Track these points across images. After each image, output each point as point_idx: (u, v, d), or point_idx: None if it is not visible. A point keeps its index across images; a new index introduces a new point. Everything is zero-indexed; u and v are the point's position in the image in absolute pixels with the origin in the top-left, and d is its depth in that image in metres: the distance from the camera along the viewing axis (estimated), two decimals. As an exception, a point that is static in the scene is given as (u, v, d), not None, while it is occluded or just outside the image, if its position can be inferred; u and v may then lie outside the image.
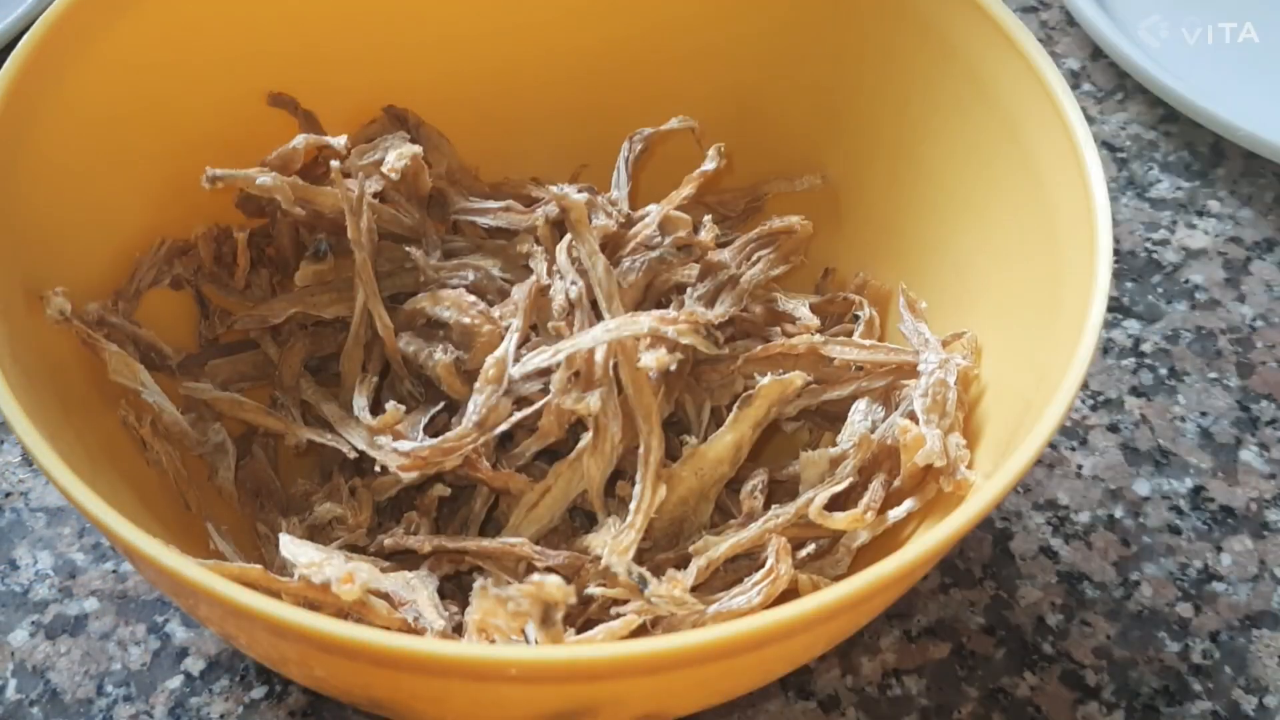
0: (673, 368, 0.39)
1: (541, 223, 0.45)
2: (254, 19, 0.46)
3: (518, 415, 0.40)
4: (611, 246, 0.45)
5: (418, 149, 0.45)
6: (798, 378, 0.41)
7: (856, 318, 0.46)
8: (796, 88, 0.49)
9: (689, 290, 0.45)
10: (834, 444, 0.42)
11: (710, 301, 0.44)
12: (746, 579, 0.38)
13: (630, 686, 0.34)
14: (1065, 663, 0.44)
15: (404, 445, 0.40)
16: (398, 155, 0.44)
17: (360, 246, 0.43)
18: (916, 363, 0.41)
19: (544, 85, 0.51)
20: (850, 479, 0.40)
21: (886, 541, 0.40)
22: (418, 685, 0.34)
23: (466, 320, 0.42)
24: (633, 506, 0.39)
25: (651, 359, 0.38)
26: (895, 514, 0.39)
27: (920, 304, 0.44)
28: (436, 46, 0.49)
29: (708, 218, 0.46)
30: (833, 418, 0.44)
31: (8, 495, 0.47)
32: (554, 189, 0.45)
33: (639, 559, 0.41)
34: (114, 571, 0.45)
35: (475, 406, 0.40)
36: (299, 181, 0.44)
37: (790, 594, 0.38)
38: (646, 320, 0.40)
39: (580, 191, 0.45)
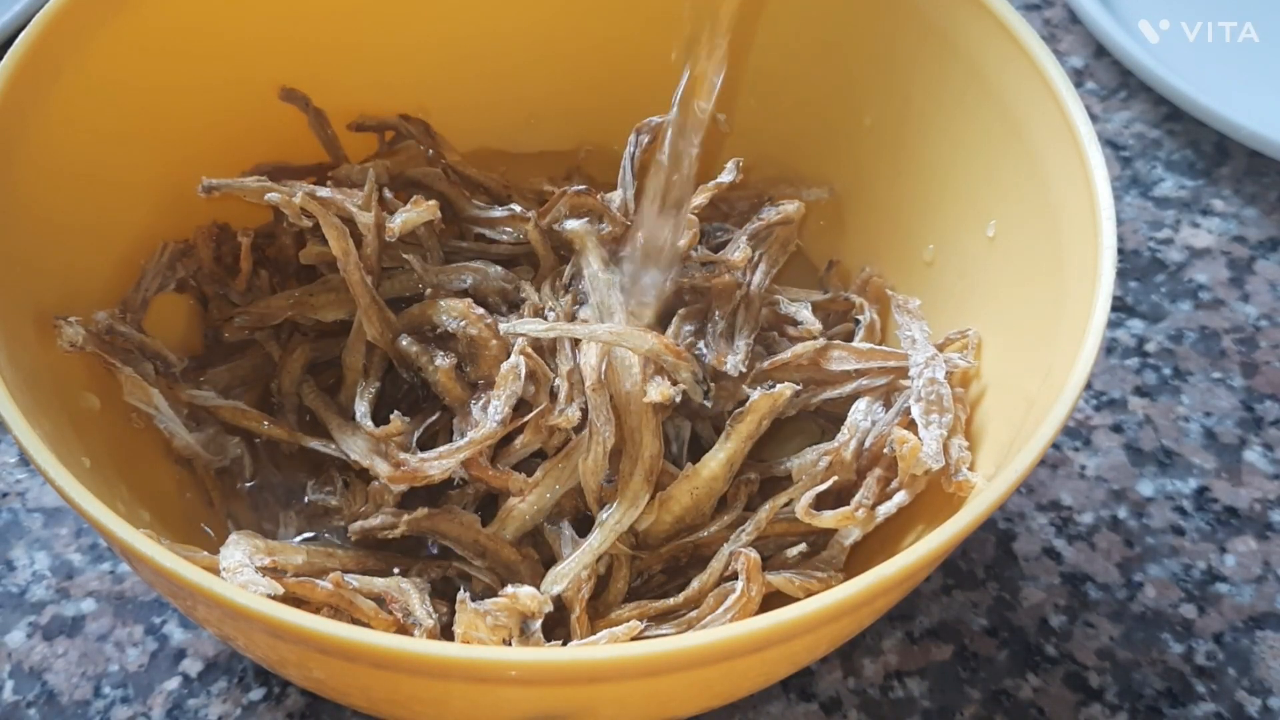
0: (677, 400, 0.40)
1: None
2: (254, 14, 0.46)
3: (506, 429, 0.40)
4: (615, 245, 0.45)
5: (431, 215, 0.45)
6: (787, 389, 0.41)
7: (857, 322, 0.46)
8: (798, 85, 0.49)
9: (709, 327, 0.44)
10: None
11: (729, 332, 0.44)
12: (723, 601, 0.39)
13: (631, 689, 0.33)
14: (1068, 664, 0.44)
15: (412, 460, 0.40)
16: (405, 220, 0.44)
17: (369, 231, 0.43)
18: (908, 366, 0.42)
19: (547, 77, 0.51)
20: (835, 478, 0.40)
21: (889, 543, 0.40)
22: (417, 687, 0.33)
23: (474, 332, 0.42)
24: (597, 525, 0.39)
25: (655, 392, 0.39)
26: (886, 509, 0.39)
27: (911, 303, 0.44)
28: (441, 34, 0.49)
29: (741, 238, 0.46)
30: (838, 419, 0.43)
31: (4, 496, 0.47)
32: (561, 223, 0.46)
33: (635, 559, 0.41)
34: (111, 572, 0.45)
35: (495, 410, 0.40)
36: (308, 192, 0.44)
37: (781, 596, 0.38)
38: (651, 339, 0.40)
39: (580, 197, 0.45)
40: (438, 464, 0.39)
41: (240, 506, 0.43)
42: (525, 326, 0.41)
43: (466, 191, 0.48)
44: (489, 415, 0.40)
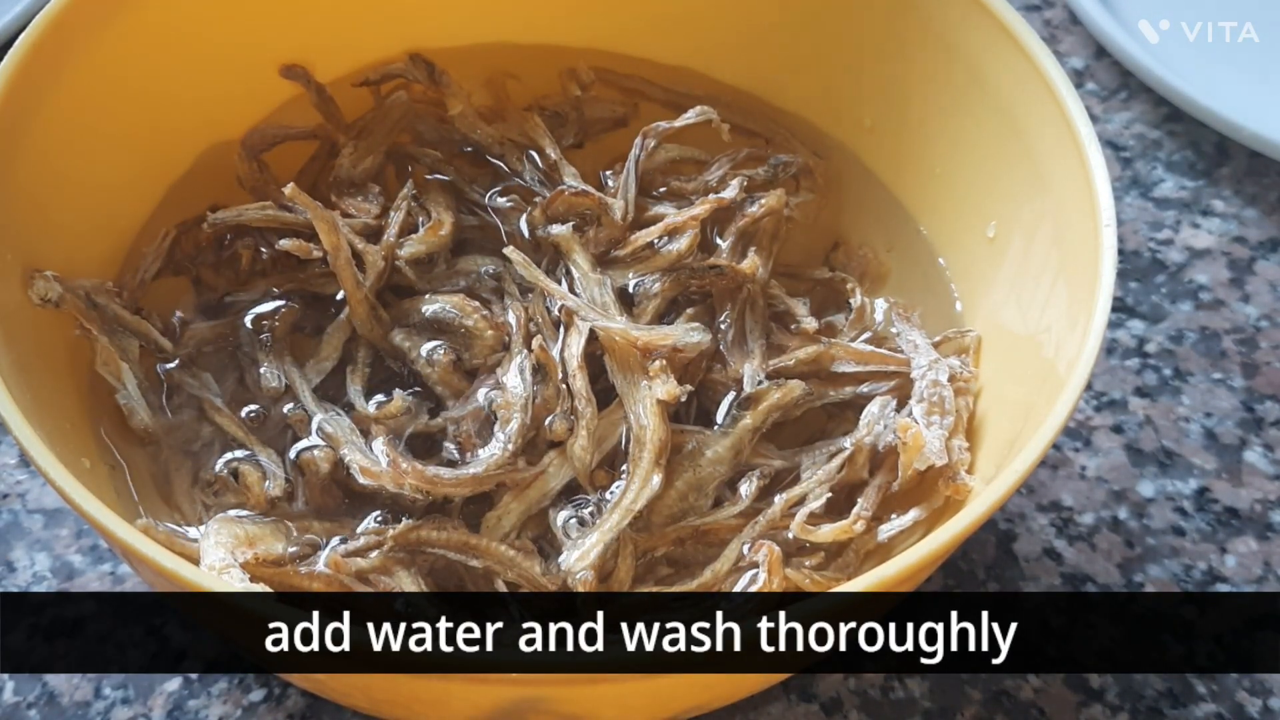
0: (683, 399, 0.40)
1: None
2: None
3: (495, 446, 0.40)
4: (609, 246, 0.45)
5: (442, 246, 0.45)
6: (796, 387, 0.41)
7: (849, 305, 0.46)
8: (797, 85, 0.49)
9: (720, 341, 0.44)
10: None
11: (740, 336, 0.44)
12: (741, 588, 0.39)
13: (631, 687, 0.33)
14: (1069, 665, 0.44)
15: (428, 470, 0.40)
16: (413, 252, 0.44)
17: (374, 255, 0.43)
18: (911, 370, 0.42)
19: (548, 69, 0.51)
20: (828, 496, 0.40)
21: (889, 543, 0.40)
22: (417, 687, 0.34)
23: (469, 323, 0.43)
24: (611, 503, 0.39)
25: (662, 390, 0.40)
26: (889, 529, 0.39)
27: (913, 316, 0.44)
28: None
29: (752, 251, 0.46)
30: (857, 408, 0.43)
31: (5, 497, 0.47)
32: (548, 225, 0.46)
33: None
34: (111, 573, 0.45)
35: (509, 437, 0.40)
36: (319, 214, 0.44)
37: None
38: (622, 324, 0.41)
39: (577, 197, 0.45)
40: (455, 488, 0.39)
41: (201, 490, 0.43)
42: (524, 269, 0.42)
43: (466, 174, 0.48)
44: (499, 440, 0.40)
